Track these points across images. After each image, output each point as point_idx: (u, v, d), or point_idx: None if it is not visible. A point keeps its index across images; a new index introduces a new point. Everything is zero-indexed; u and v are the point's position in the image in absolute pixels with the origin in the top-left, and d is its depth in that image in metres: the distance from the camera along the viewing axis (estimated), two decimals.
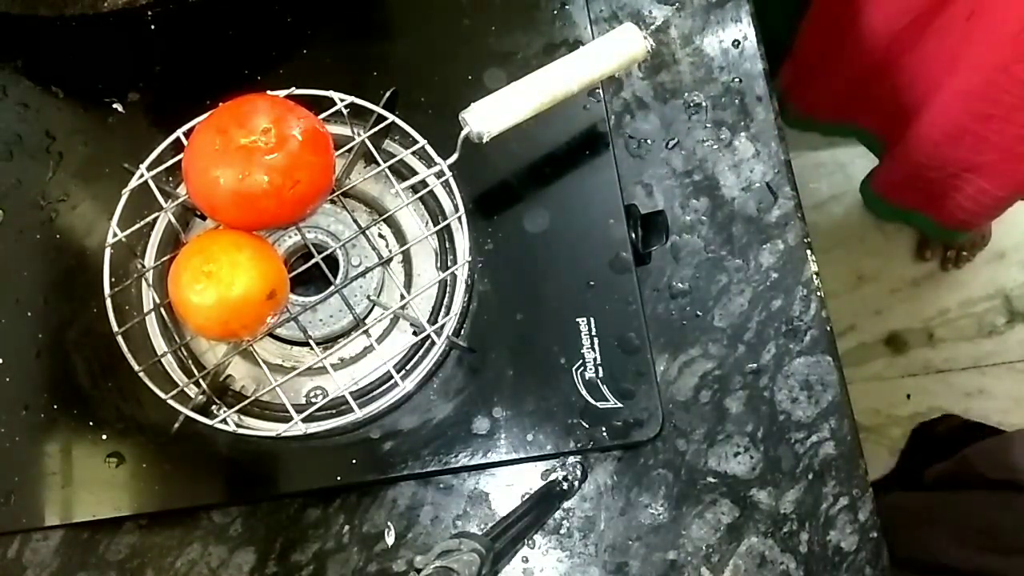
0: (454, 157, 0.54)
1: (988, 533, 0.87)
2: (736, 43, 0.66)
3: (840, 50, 0.98)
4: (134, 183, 0.54)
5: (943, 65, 0.87)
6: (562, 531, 0.58)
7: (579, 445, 0.55)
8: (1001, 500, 0.88)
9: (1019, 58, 0.77)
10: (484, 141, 0.52)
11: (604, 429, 0.55)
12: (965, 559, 0.89)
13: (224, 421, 0.52)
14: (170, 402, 0.52)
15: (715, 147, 0.64)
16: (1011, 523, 0.85)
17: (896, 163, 1.06)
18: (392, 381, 0.55)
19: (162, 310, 0.56)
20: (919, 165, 0.99)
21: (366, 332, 0.56)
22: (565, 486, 0.57)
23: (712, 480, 0.58)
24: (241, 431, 0.54)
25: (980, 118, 0.86)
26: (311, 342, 0.56)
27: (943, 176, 0.98)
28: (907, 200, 1.12)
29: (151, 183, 0.54)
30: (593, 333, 0.56)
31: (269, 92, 0.54)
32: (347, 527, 0.57)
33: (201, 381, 0.53)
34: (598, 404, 0.56)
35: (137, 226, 0.55)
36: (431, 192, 0.58)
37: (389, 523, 0.57)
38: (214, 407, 0.55)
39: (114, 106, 0.63)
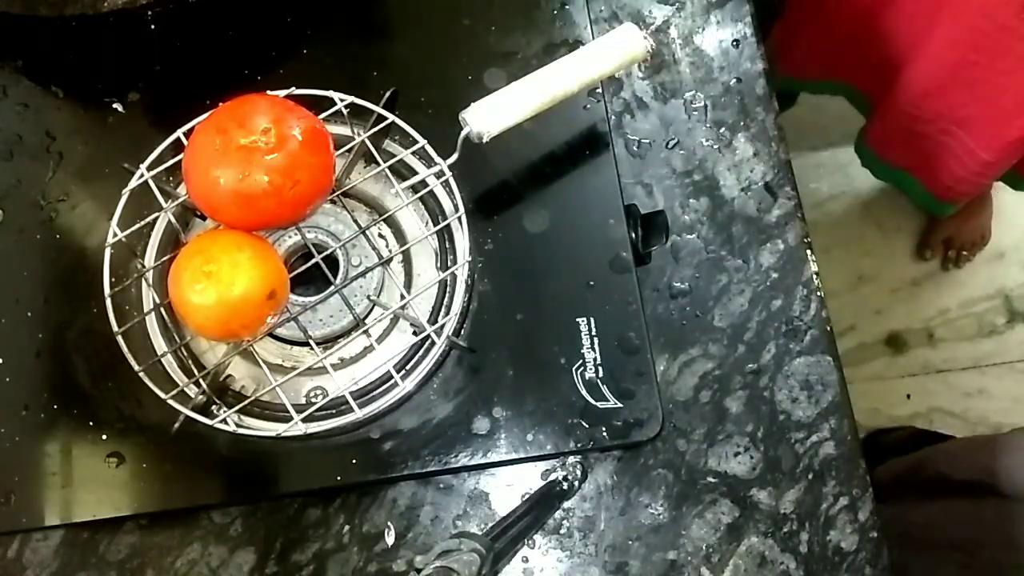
0: (454, 157, 0.54)
1: (965, 550, 0.86)
2: (736, 43, 0.66)
3: (829, 3, 0.98)
4: (134, 183, 0.54)
5: (930, 13, 0.86)
6: (562, 531, 0.58)
7: (579, 445, 0.55)
8: (970, 510, 0.87)
9: (1004, 2, 0.77)
10: (484, 141, 0.52)
11: (604, 429, 0.55)
12: None
13: (224, 421, 0.52)
14: (170, 402, 0.52)
15: (715, 147, 0.64)
16: (988, 537, 0.83)
17: (887, 117, 1.05)
18: (392, 381, 0.55)
19: (162, 310, 0.56)
20: (909, 117, 0.98)
21: (366, 332, 0.56)
22: (565, 486, 0.57)
23: (712, 480, 0.58)
24: (241, 431, 0.54)
25: (965, 66, 0.85)
26: (311, 342, 0.56)
27: (932, 131, 0.97)
28: (898, 158, 1.11)
29: (151, 183, 0.54)
30: (593, 333, 0.56)
31: (269, 92, 0.54)
32: (347, 527, 0.57)
33: (201, 381, 0.53)
34: (598, 404, 0.56)
35: (137, 226, 0.55)
36: (431, 192, 0.58)
37: (389, 523, 0.57)
38: (214, 407, 0.55)
39: (114, 106, 0.63)
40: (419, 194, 0.57)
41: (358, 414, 0.52)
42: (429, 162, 0.56)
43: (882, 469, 1.12)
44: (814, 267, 0.61)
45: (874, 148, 1.13)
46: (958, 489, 0.89)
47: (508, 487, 0.58)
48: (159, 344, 0.58)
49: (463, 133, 0.52)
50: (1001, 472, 0.83)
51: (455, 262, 0.58)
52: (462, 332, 0.58)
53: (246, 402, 0.54)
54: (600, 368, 0.56)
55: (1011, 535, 0.80)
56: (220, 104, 0.50)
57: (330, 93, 0.55)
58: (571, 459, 0.58)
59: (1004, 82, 0.84)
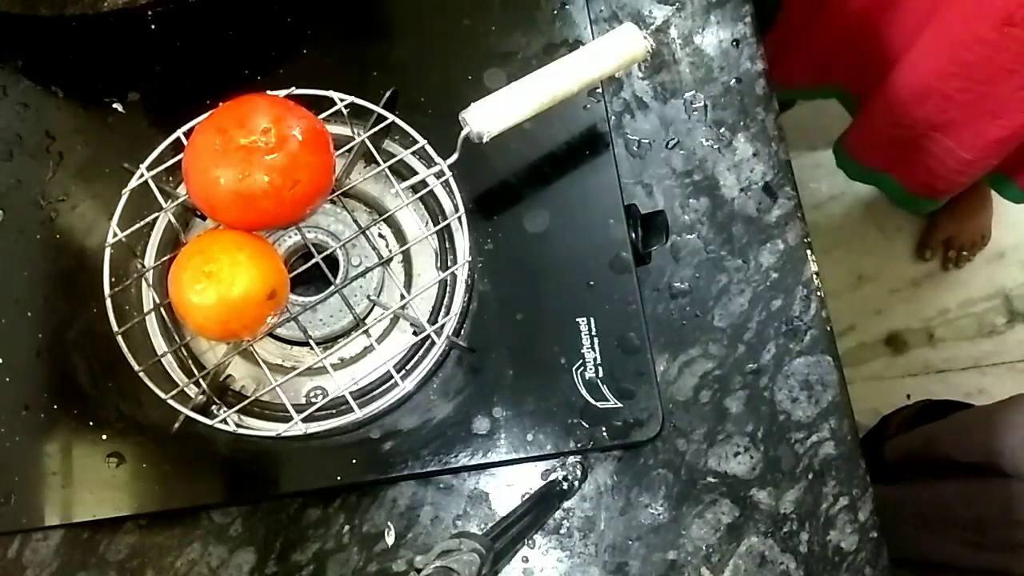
0: (454, 157, 0.54)
1: (976, 529, 0.87)
2: (736, 43, 0.66)
3: (823, 10, 0.98)
4: (134, 183, 0.54)
5: (918, 21, 0.86)
6: (562, 531, 0.58)
7: (579, 445, 0.55)
8: (978, 489, 0.88)
9: (981, 14, 0.76)
10: (484, 141, 0.52)
11: (604, 429, 0.55)
12: (960, 556, 0.88)
13: (224, 421, 0.52)
14: (170, 402, 0.52)
15: (715, 147, 0.64)
16: (996, 515, 0.84)
17: (867, 122, 1.05)
18: (392, 381, 0.55)
19: (162, 310, 0.56)
20: (889, 124, 0.98)
21: (366, 332, 0.56)
22: (565, 486, 0.57)
23: (712, 480, 0.58)
24: (241, 431, 0.54)
25: (943, 76, 0.85)
26: (311, 342, 0.56)
27: (911, 136, 0.97)
28: (876, 160, 1.11)
29: (151, 183, 0.54)
30: (593, 333, 0.56)
31: (269, 92, 0.54)
32: (347, 527, 0.57)
33: (201, 381, 0.53)
34: (598, 404, 0.56)
35: (137, 226, 0.55)
36: (431, 192, 0.58)
37: (389, 523, 0.57)
38: (214, 407, 0.55)
39: (114, 106, 0.63)
40: (419, 194, 0.57)
41: (358, 414, 0.52)
42: (429, 162, 0.56)
43: (889, 447, 1.12)
44: (814, 267, 0.61)
45: (852, 152, 1.14)
46: (966, 469, 0.90)
47: (508, 487, 0.58)
48: (159, 344, 0.58)
49: (463, 133, 0.52)
50: (1004, 453, 0.84)
51: (455, 262, 0.58)
52: (462, 332, 0.58)
53: (246, 402, 0.54)
54: (600, 368, 0.56)
55: (1018, 513, 0.81)
56: (220, 104, 0.50)
57: (330, 93, 0.55)
58: (571, 459, 0.58)
59: (984, 91, 0.84)
